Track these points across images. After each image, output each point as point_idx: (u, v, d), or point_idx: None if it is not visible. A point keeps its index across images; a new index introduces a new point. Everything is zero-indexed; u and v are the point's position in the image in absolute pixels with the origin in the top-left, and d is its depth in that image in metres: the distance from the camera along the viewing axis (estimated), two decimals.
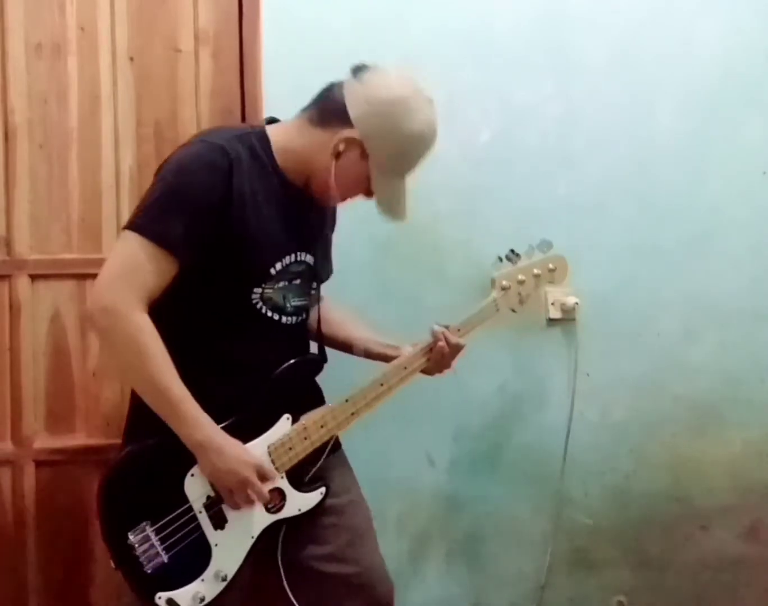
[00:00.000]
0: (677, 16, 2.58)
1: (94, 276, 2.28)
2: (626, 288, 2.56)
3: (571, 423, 2.51)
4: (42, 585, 2.32)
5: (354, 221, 2.15)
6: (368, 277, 2.28)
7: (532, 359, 2.55)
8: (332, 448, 1.95)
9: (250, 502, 1.81)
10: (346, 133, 1.81)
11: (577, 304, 2.50)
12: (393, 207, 1.89)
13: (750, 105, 2.62)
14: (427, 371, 2.00)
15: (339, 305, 2.11)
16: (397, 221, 1.90)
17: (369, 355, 2.04)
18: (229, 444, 1.78)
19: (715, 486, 2.65)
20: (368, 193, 1.89)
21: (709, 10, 2.59)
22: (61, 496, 2.32)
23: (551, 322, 2.53)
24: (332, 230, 2.08)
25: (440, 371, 2.01)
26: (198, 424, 1.75)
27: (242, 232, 1.79)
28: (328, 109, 1.85)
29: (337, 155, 1.83)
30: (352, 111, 1.81)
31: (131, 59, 2.32)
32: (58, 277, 2.31)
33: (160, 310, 1.81)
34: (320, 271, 1.98)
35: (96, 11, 2.30)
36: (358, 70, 1.85)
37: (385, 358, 1.99)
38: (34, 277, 2.29)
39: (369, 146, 1.82)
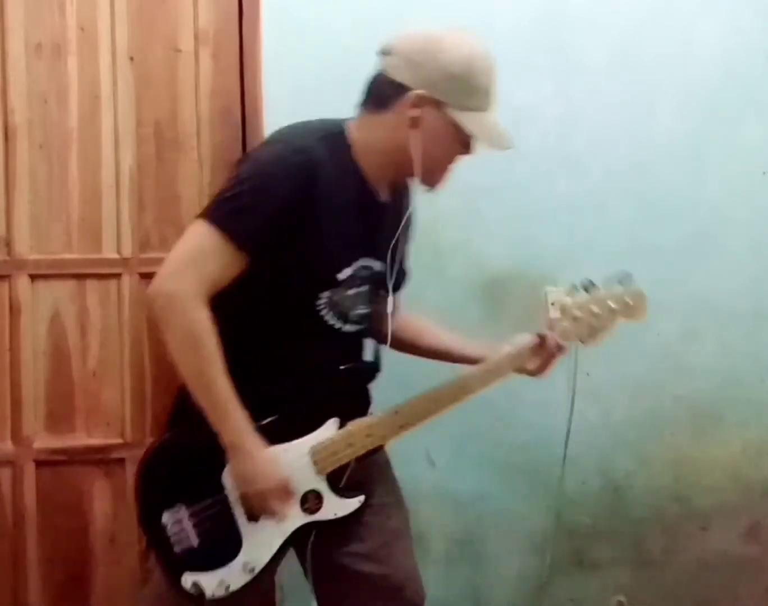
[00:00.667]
0: (677, 16, 2.58)
1: (94, 276, 2.30)
2: None
3: (571, 423, 2.51)
4: (42, 585, 2.33)
5: None
6: None
7: None
8: (374, 448, 1.93)
9: (266, 513, 1.79)
10: (411, 95, 1.78)
11: None
12: (495, 138, 1.84)
13: (750, 105, 2.62)
14: (525, 372, 1.98)
15: (422, 315, 2.10)
16: (505, 149, 1.84)
17: (451, 357, 2.02)
18: (261, 454, 1.77)
19: (715, 486, 2.65)
20: (465, 147, 1.85)
21: (709, 10, 2.59)
22: (61, 496, 2.32)
23: (552, 321, 2.53)
24: (408, 235, 2.02)
25: (541, 372, 2.00)
26: (235, 427, 1.74)
27: (314, 237, 1.77)
28: (382, 91, 1.82)
29: (414, 123, 1.79)
30: (402, 76, 1.79)
31: (131, 59, 2.32)
32: (58, 277, 2.31)
33: (221, 302, 1.77)
34: (390, 279, 1.92)
35: (96, 11, 2.30)
36: (384, 50, 1.84)
37: (468, 360, 1.97)
38: (34, 277, 2.29)
39: (436, 94, 1.78)
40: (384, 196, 1.89)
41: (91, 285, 2.32)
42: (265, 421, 1.80)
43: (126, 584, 2.32)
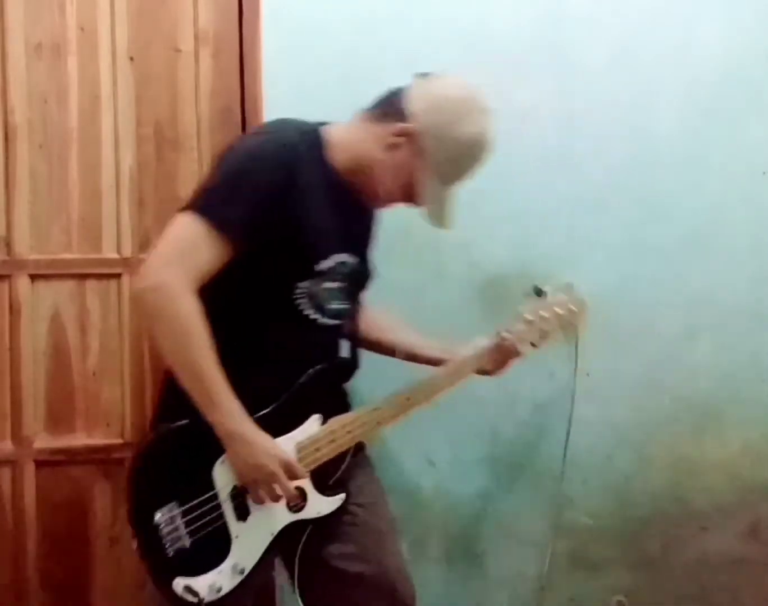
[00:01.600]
0: (677, 16, 2.58)
1: (94, 276, 2.30)
2: (626, 288, 2.56)
3: (571, 423, 2.51)
4: (42, 585, 2.32)
5: None
6: None
7: (532, 359, 2.54)
8: (356, 448, 1.96)
9: (275, 497, 1.80)
10: (408, 125, 1.82)
11: None
12: (439, 214, 1.90)
13: (750, 105, 2.62)
14: (482, 372, 2.05)
15: (387, 311, 2.14)
16: (441, 228, 1.92)
17: (414, 359, 2.05)
18: (260, 437, 1.78)
19: (715, 486, 2.65)
20: (411, 200, 1.89)
21: (709, 10, 2.59)
22: (61, 496, 2.32)
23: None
24: (375, 234, 2.08)
25: (497, 373, 2.07)
26: (231, 414, 1.75)
27: (295, 226, 1.80)
28: (389, 106, 1.86)
29: (391, 147, 1.83)
30: (412, 105, 1.83)
31: (131, 59, 2.32)
32: (58, 277, 2.31)
33: (208, 294, 1.79)
34: (366, 275, 1.99)
35: (96, 11, 2.30)
36: (422, 75, 1.88)
37: (431, 362, 2.02)
38: (34, 277, 2.29)
39: (424, 142, 1.82)
40: (358, 191, 1.92)
41: (91, 285, 2.32)
42: (257, 415, 1.80)
43: (126, 584, 2.31)
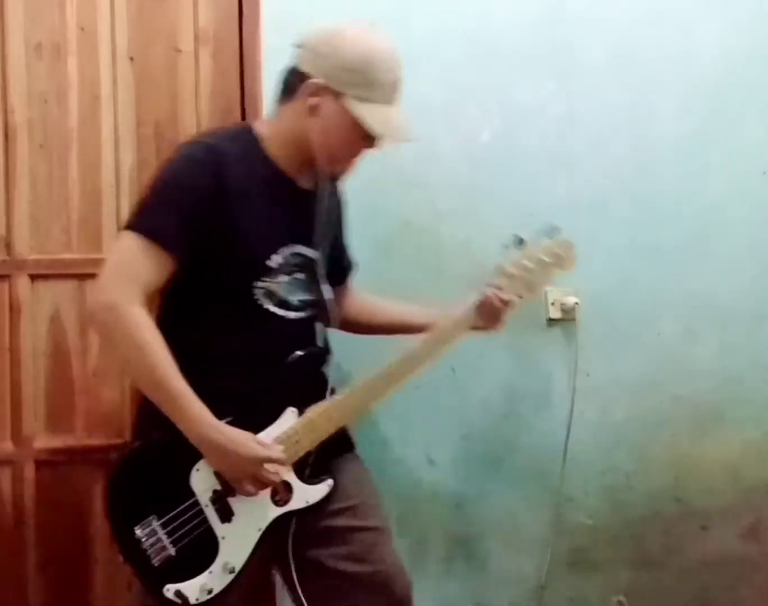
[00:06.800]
0: (677, 16, 2.58)
1: (94, 276, 2.29)
2: (626, 288, 2.56)
3: (571, 423, 2.51)
4: (42, 585, 2.32)
5: (354, 221, 2.15)
6: (368, 277, 2.28)
7: (532, 359, 2.55)
8: (345, 448, 1.97)
9: (262, 486, 1.81)
10: (309, 83, 1.84)
11: (577, 304, 2.50)
12: (391, 129, 1.86)
13: (750, 105, 2.62)
14: (478, 328, 2.00)
15: (377, 295, 2.16)
16: (404, 141, 1.87)
17: (409, 330, 2.04)
18: (231, 438, 1.78)
19: (715, 486, 2.65)
20: (367, 141, 1.87)
21: (709, 10, 2.59)
22: (61, 496, 2.31)
23: (551, 322, 2.53)
24: (340, 221, 2.09)
25: (494, 327, 2.02)
26: (198, 419, 1.77)
27: (234, 226, 1.82)
28: (289, 81, 1.89)
29: (313, 112, 1.84)
30: (305, 66, 1.86)
31: (131, 59, 2.32)
32: (58, 277, 2.31)
33: (166, 307, 1.87)
34: (327, 265, 1.98)
35: (96, 11, 2.30)
36: (297, 43, 1.90)
37: (424, 329, 1.99)
38: (34, 277, 2.29)
39: (334, 83, 1.83)
40: (305, 183, 1.93)
41: (91, 285, 2.31)
42: (224, 420, 1.80)
43: (126, 584, 2.31)
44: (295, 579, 1.94)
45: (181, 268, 1.82)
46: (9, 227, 2.28)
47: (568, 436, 2.52)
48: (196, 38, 2.35)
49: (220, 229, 1.81)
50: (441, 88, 2.44)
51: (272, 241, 1.88)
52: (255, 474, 1.79)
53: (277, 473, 1.82)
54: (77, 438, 2.33)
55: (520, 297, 2.00)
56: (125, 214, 2.31)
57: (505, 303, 1.98)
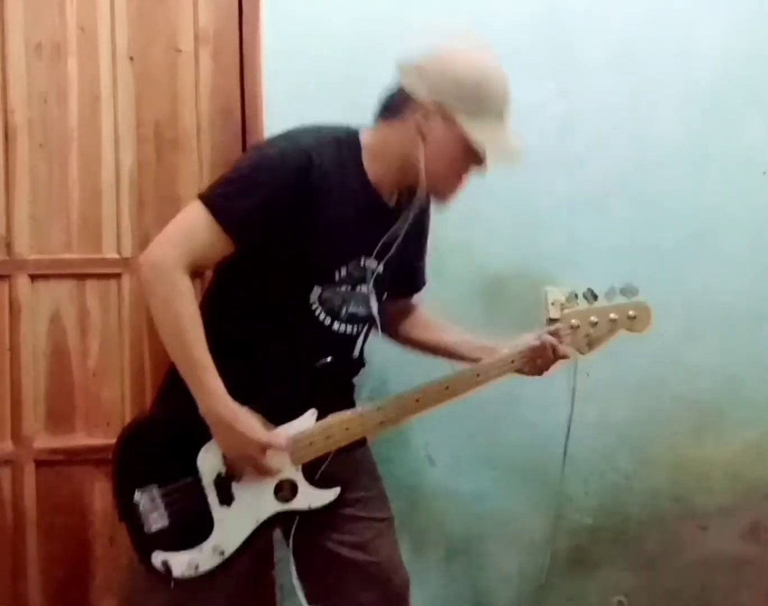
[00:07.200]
0: (677, 15, 2.58)
1: (94, 276, 2.30)
2: None
3: (571, 423, 2.51)
4: (42, 585, 2.32)
5: None
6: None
7: None
8: (357, 443, 1.96)
9: (259, 473, 1.83)
10: (420, 105, 1.81)
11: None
12: (502, 150, 1.85)
13: (750, 105, 2.62)
14: (522, 372, 1.99)
15: (437, 314, 2.15)
16: (514, 165, 1.86)
17: (462, 358, 2.03)
18: (239, 418, 1.79)
19: (715, 486, 2.65)
20: (476, 160, 1.86)
21: (709, 10, 2.59)
22: (61, 496, 2.32)
23: (551, 322, 2.52)
24: (420, 240, 2.08)
25: (538, 373, 2.00)
26: (212, 391, 1.77)
27: (310, 231, 1.81)
28: (396, 101, 1.86)
29: (424, 135, 1.82)
30: (414, 87, 1.83)
31: (131, 59, 2.32)
32: (58, 277, 2.31)
33: (217, 287, 1.90)
34: (396, 281, 1.99)
35: (96, 11, 2.30)
36: (400, 63, 1.87)
37: (471, 361, 1.99)
38: (34, 277, 2.29)
39: (445, 104, 1.80)
40: (390, 200, 1.92)
41: (91, 285, 2.32)
42: (252, 404, 1.82)
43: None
44: (294, 572, 1.95)
45: (241, 254, 1.81)
46: (9, 227, 2.28)
47: (568, 436, 2.51)
48: (196, 38, 2.35)
49: (293, 230, 1.81)
50: None
51: (344, 254, 1.88)
52: (254, 457, 1.80)
53: (277, 467, 1.82)
54: (77, 438, 2.33)
55: (580, 352, 1.98)
56: (125, 214, 2.32)
57: (559, 357, 1.96)
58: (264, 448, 1.81)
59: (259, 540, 1.89)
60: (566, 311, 1.98)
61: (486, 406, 2.54)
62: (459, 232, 2.49)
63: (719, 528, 2.66)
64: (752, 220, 2.63)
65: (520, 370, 1.98)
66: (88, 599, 2.35)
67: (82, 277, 2.31)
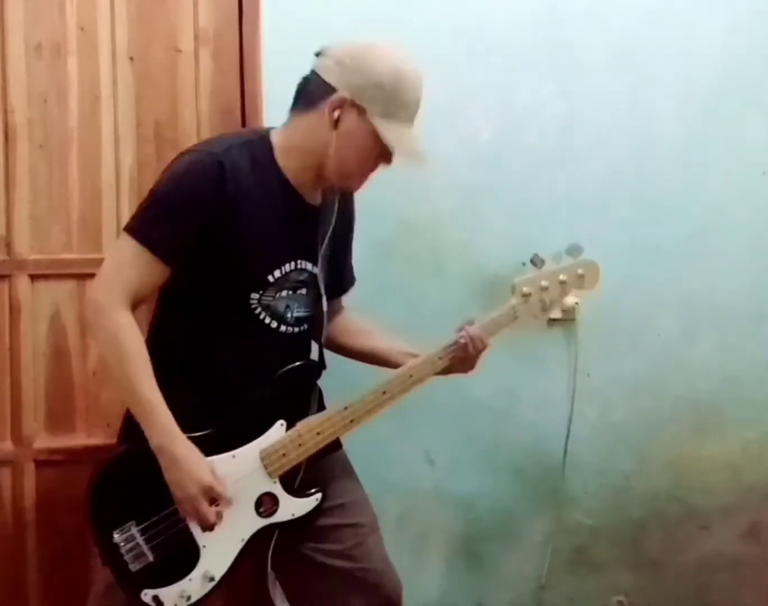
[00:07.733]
0: (677, 15, 2.58)
1: (94, 276, 2.29)
2: (626, 288, 2.56)
3: (571, 423, 2.51)
4: (42, 585, 2.33)
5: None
6: (368, 277, 2.28)
7: (532, 359, 2.55)
8: (332, 448, 1.95)
9: (198, 519, 1.79)
10: (334, 97, 1.81)
11: (577, 304, 2.49)
12: (411, 151, 1.85)
13: (750, 105, 2.62)
14: (449, 371, 1.99)
15: (363, 317, 2.12)
16: (420, 165, 1.86)
17: (388, 364, 2.02)
18: (186, 457, 1.77)
19: (715, 486, 2.65)
20: (384, 157, 1.86)
21: (709, 10, 2.59)
22: (61, 496, 2.31)
23: (551, 322, 2.53)
24: (347, 238, 2.07)
25: (464, 371, 2.00)
26: (161, 428, 1.76)
27: (237, 240, 1.81)
28: (310, 92, 1.85)
29: (335, 124, 1.82)
30: (330, 78, 1.82)
31: (131, 59, 2.32)
32: (58, 277, 2.31)
33: (161, 311, 1.88)
34: (327, 281, 1.96)
35: (96, 11, 2.30)
36: (319, 51, 1.87)
37: (395, 366, 1.98)
38: (34, 277, 2.29)
39: (359, 98, 1.80)
40: (314, 199, 1.92)
41: (91, 285, 2.32)
42: (203, 433, 1.81)
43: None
44: (274, 584, 1.97)
45: (177, 276, 1.82)
46: (9, 227, 2.28)
47: (568, 436, 2.52)
48: (196, 38, 2.35)
49: (221, 242, 1.80)
50: (441, 88, 2.44)
51: (275, 257, 1.87)
52: (195, 498, 1.76)
53: (205, 513, 1.77)
54: (77, 438, 2.33)
55: (535, 316, 2.00)
56: (125, 214, 2.31)
57: (480, 350, 1.97)
58: (206, 491, 1.77)
59: (247, 556, 1.87)
60: (516, 280, 1.99)
61: (486, 407, 2.54)
62: (459, 232, 2.49)
63: (719, 528, 2.66)
64: (752, 220, 2.63)
65: (449, 368, 1.98)
66: (88, 599, 2.35)
67: (82, 277, 2.30)
